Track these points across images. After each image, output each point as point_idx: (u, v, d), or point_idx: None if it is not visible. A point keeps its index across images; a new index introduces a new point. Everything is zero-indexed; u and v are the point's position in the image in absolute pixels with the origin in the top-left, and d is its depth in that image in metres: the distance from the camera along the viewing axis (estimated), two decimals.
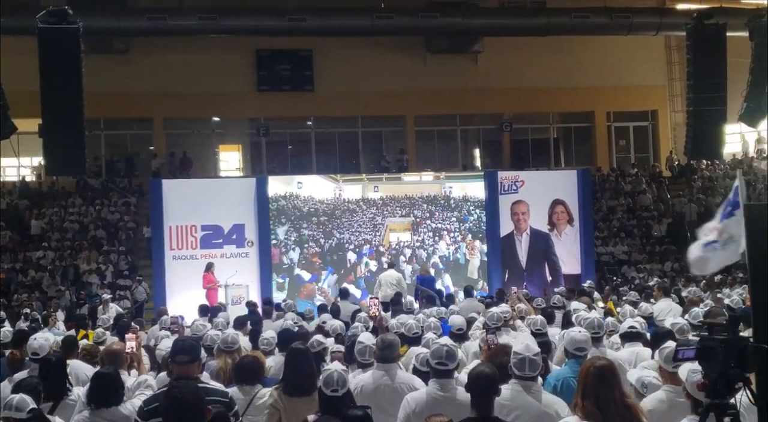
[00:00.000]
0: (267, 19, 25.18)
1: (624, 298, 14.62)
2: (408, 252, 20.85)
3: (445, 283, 20.36)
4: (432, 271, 19.74)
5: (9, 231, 24.25)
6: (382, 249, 20.78)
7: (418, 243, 20.98)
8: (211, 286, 18.68)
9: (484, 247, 20.96)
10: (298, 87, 29.01)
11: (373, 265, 20.58)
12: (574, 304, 11.59)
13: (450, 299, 16.02)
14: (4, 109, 14.45)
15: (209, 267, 19.05)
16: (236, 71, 28.77)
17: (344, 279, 20.36)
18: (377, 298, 10.17)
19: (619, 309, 12.31)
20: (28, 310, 17.19)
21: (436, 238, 21.06)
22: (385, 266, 19.51)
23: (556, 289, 15.86)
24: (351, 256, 20.66)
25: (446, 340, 6.11)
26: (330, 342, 8.74)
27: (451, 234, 21.07)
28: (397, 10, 25.89)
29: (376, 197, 21.14)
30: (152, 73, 27.46)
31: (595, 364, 5.00)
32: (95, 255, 23.25)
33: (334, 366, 5.76)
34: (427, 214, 21.20)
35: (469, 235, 21.10)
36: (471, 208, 21.29)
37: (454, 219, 21.16)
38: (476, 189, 21.44)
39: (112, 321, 13.26)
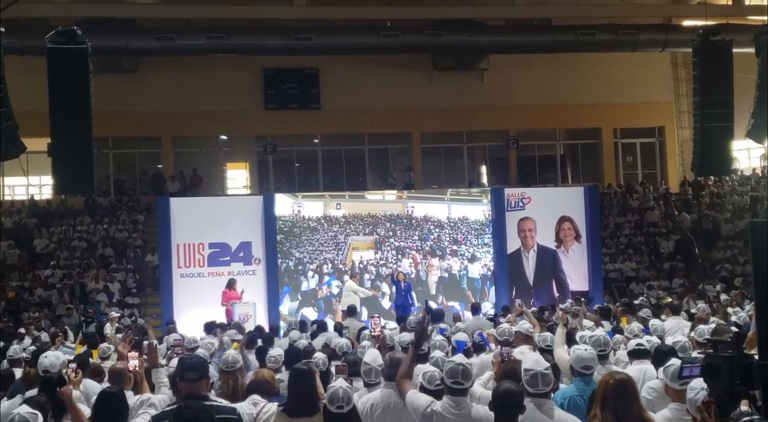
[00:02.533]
0: (274, 39, 25.34)
1: (638, 314, 14.51)
2: (373, 269, 20.72)
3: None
4: (393, 288, 20.05)
5: (17, 250, 24.33)
6: (343, 267, 20.52)
7: (382, 262, 20.87)
8: (229, 304, 18.57)
9: (444, 264, 20.93)
10: (304, 105, 29.11)
11: (335, 286, 20.33)
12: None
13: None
14: (14, 129, 14.54)
15: (231, 284, 19.00)
16: (243, 90, 28.94)
17: (309, 301, 20.00)
18: (378, 317, 10.13)
19: (627, 326, 12.24)
20: (36, 332, 17.18)
21: (399, 256, 20.95)
22: (346, 279, 19.89)
23: (561, 305, 15.70)
24: (310, 275, 20.30)
25: (461, 359, 6.09)
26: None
27: (420, 253, 21.06)
28: (402, 29, 26.03)
29: (338, 215, 20.95)
30: (160, 92, 27.64)
31: (614, 377, 5.13)
32: (103, 274, 23.30)
33: (338, 383, 5.77)
34: (390, 233, 21.07)
35: (428, 254, 21.12)
36: (431, 227, 21.26)
37: (416, 237, 21.12)
38: (437, 210, 21.40)
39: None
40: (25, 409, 5.32)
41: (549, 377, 5.69)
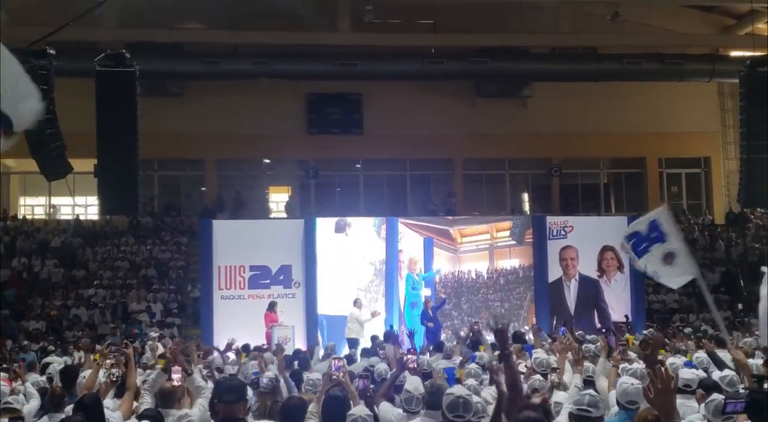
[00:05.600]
0: (319, 64, 25.55)
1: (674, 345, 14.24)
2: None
3: None
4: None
5: (62, 269, 24.63)
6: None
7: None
8: (269, 327, 18.60)
9: None
10: (347, 130, 29.23)
11: None
12: None
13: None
14: (62, 149, 14.80)
15: (272, 307, 19.05)
16: (287, 114, 29.13)
17: None
18: (413, 350, 10.05)
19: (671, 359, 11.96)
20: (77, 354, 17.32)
21: None
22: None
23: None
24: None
25: (460, 391, 5.96)
26: None
27: None
28: (447, 55, 26.10)
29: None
30: (205, 116, 27.92)
31: (652, 412, 5.09)
32: (144, 294, 23.49)
33: (358, 411, 5.71)
34: None
35: None
36: None
37: None
38: None
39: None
40: None
41: (598, 402, 5.66)
